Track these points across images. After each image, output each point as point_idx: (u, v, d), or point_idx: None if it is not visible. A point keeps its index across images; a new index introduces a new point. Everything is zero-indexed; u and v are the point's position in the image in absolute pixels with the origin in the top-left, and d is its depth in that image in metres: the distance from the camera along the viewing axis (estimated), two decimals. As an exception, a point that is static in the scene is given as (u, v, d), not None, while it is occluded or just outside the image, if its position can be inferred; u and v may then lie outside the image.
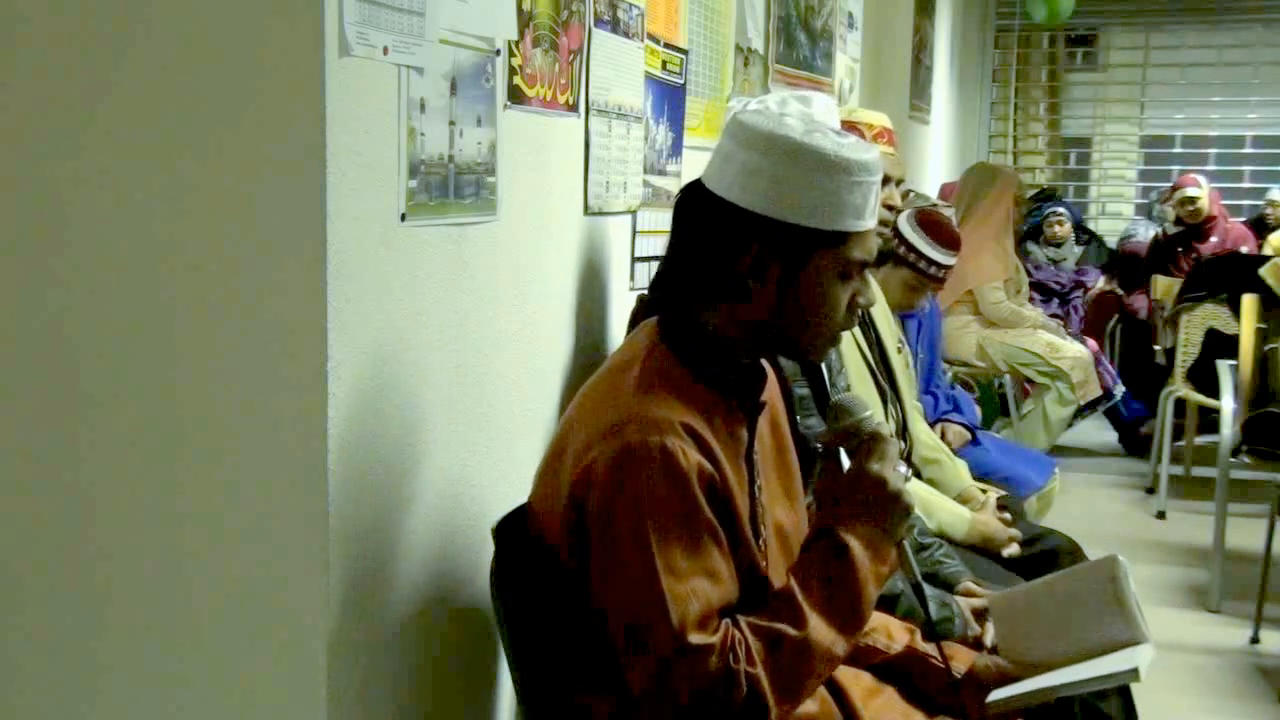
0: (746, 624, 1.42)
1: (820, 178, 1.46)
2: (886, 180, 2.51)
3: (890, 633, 1.79)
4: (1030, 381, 5.54)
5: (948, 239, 3.04)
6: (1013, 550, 2.67)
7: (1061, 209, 7.00)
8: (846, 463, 1.56)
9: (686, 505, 1.41)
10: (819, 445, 2.02)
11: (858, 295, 1.54)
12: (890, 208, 2.56)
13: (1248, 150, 8.29)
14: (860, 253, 1.51)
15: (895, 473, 1.52)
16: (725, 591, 1.43)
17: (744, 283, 1.50)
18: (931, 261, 3.02)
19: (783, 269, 1.49)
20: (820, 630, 1.43)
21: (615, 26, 2.31)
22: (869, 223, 1.51)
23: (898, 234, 3.00)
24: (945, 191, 6.06)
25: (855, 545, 1.47)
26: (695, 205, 1.54)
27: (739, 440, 1.55)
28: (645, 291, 2.40)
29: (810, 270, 1.49)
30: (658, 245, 2.59)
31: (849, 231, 1.49)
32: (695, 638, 1.37)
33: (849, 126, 2.46)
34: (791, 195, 1.46)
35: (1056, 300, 6.62)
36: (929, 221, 3.05)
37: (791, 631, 1.42)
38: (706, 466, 1.43)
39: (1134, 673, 1.63)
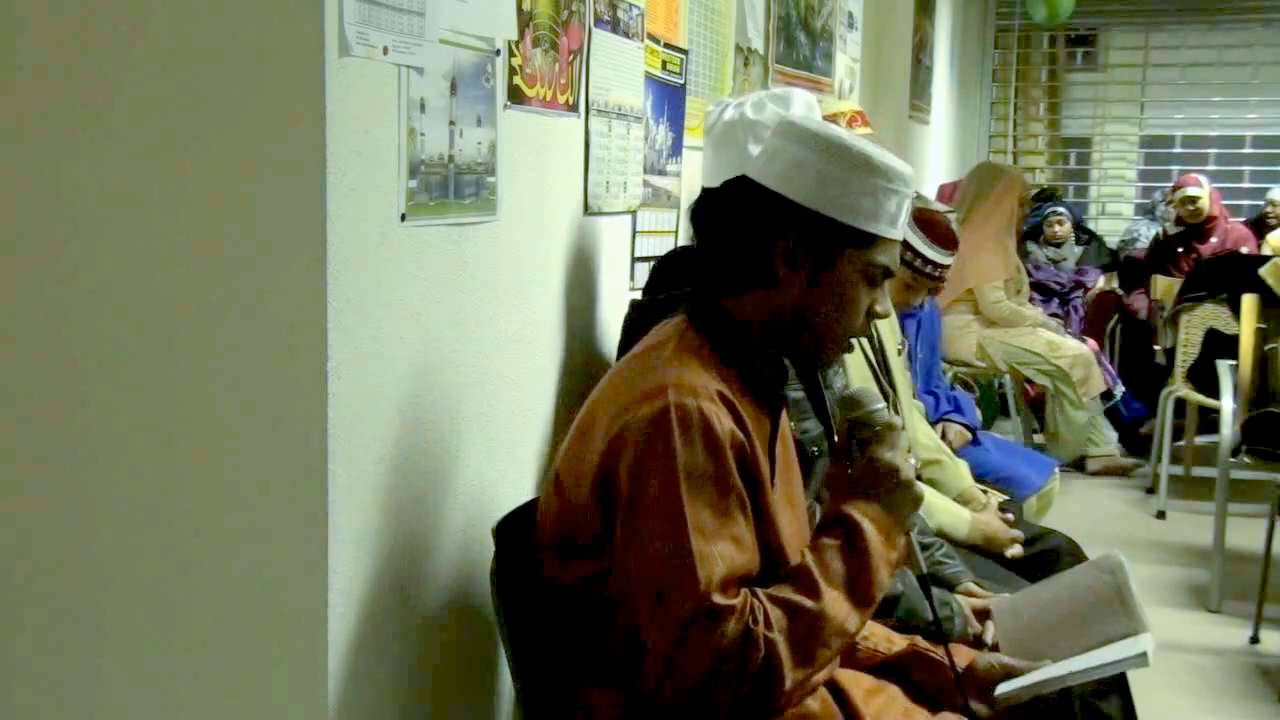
0: (764, 594, 1.46)
1: (863, 178, 1.54)
2: None
3: (889, 638, 1.82)
4: (1030, 381, 5.54)
5: (945, 238, 3.02)
6: (1015, 551, 2.67)
7: (1061, 209, 6.99)
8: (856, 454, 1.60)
9: (719, 469, 1.45)
10: (814, 448, 2.03)
11: (875, 303, 1.60)
12: None
13: (1248, 150, 8.28)
14: (885, 258, 1.58)
15: (906, 462, 1.58)
16: (748, 560, 1.47)
17: (775, 270, 1.55)
18: (928, 260, 3.01)
19: (815, 261, 1.55)
20: (836, 604, 1.47)
21: (615, 26, 2.31)
22: (898, 233, 1.58)
23: None
24: (943, 193, 6.06)
25: (868, 527, 1.52)
26: (738, 196, 1.60)
27: (763, 428, 1.58)
28: (639, 296, 2.39)
29: (839, 267, 1.56)
30: (658, 245, 2.60)
31: (879, 235, 1.56)
32: (718, 599, 1.40)
33: (827, 119, 2.45)
34: (834, 191, 1.54)
35: (1056, 300, 6.61)
36: (926, 220, 3.04)
37: (808, 603, 1.46)
38: (738, 434, 1.48)
39: (1143, 657, 1.64)
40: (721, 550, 1.42)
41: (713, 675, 1.40)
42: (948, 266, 3.06)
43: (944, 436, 3.22)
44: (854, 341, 1.67)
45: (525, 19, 1.91)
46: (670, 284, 2.17)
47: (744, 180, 1.60)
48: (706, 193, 1.65)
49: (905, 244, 2.98)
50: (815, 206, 1.54)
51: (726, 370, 1.55)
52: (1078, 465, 5.47)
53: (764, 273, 1.56)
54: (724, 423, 1.46)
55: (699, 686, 1.41)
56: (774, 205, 1.55)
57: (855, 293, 1.57)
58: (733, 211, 1.60)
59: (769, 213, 1.55)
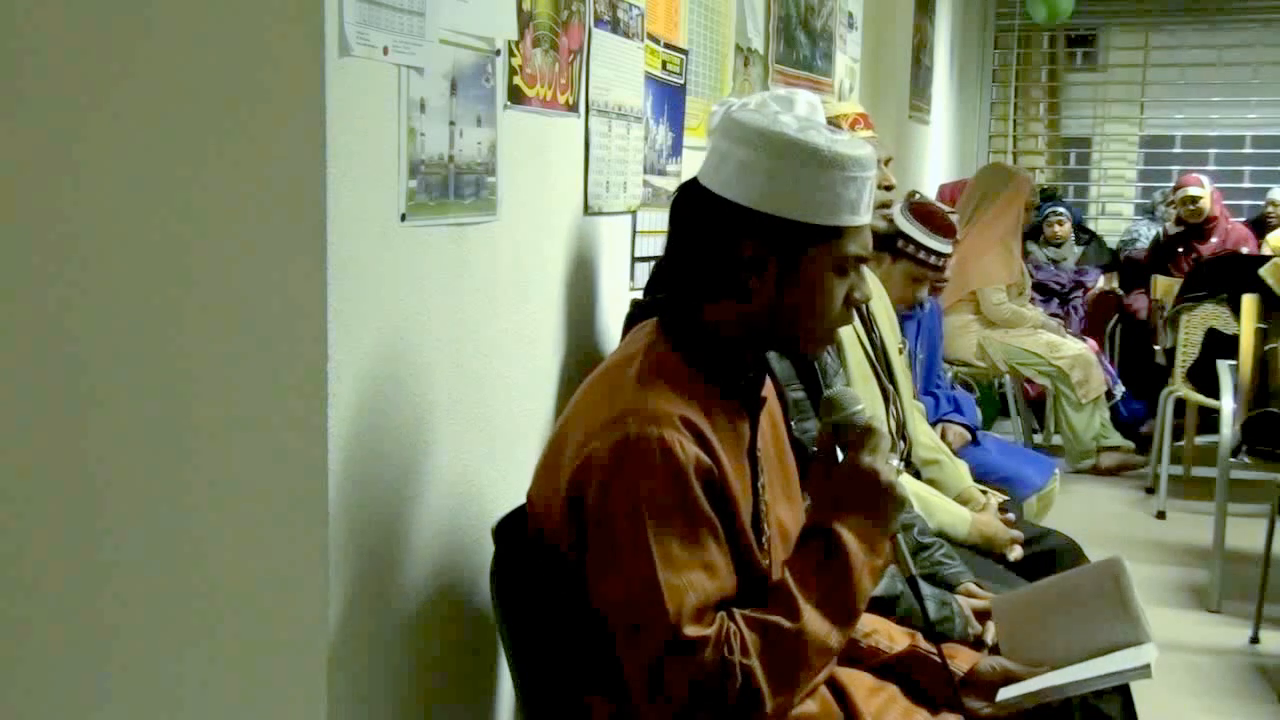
0: (741, 617, 1.42)
1: (815, 173, 1.48)
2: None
3: (891, 635, 1.80)
4: (1030, 381, 5.54)
5: (943, 227, 3.04)
6: (1016, 553, 2.67)
7: (1061, 209, 7.00)
8: (839, 458, 1.57)
9: (684, 498, 1.41)
10: (815, 448, 2.03)
11: (854, 290, 1.56)
12: (887, 187, 2.55)
13: (1248, 150, 8.28)
14: (855, 247, 1.53)
15: (887, 465, 1.53)
16: (722, 585, 1.43)
17: (742, 278, 1.51)
18: (931, 251, 3.02)
19: (780, 264, 1.51)
20: (815, 622, 1.43)
21: (615, 26, 2.31)
22: (864, 217, 1.53)
23: (896, 230, 3.00)
24: (944, 192, 6.06)
25: (849, 538, 1.48)
26: (693, 203, 1.56)
27: (740, 436, 1.55)
28: (639, 297, 2.40)
29: (806, 265, 1.51)
30: (657, 245, 2.60)
31: (844, 226, 1.51)
32: (691, 630, 1.38)
33: (829, 121, 2.45)
34: (787, 191, 1.48)
35: (1056, 300, 6.61)
36: (924, 212, 3.06)
37: (786, 624, 1.42)
38: (704, 460, 1.44)
39: (1145, 669, 1.64)
40: (692, 579, 1.39)
41: (691, 706, 1.38)
42: (949, 255, 3.07)
43: (944, 437, 3.22)
44: (857, 335, 1.65)
45: (525, 19, 1.91)
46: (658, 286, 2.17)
47: (697, 185, 1.55)
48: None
49: (907, 238, 2.99)
50: (769, 209, 1.48)
51: (696, 382, 1.51)
52: (1093, 470, 5.44)
53: (734, 280, 1.51)
54: (687, 450, 1.42)
55: (679, 716, 1.39)
56: (729, 212, 1.50)
57: (829, 286, 1.52)
58: (692, 219, 1.55)
59: (727, 220, 1.50)
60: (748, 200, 1.49)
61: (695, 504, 1.42)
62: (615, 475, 1.41)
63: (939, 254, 3.03)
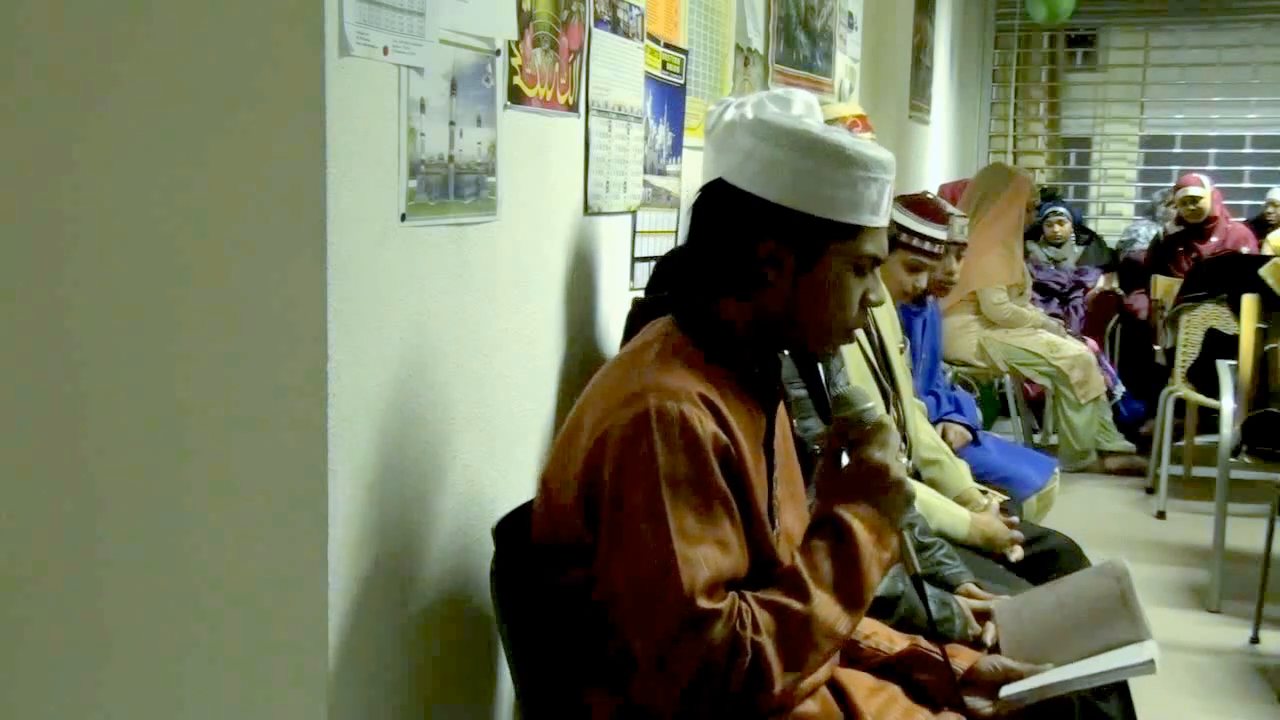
0: (752, 597, 1.44)
1: (838, 171, 1.51)
2: None
3: (890, 637, 1.81)
4: (1030, 381, 5.54)
5: (934, 214, 3.05)
6: (1017, 554, 2.67)
7: (1061, 209, 7.00)
8: (845, 460, 1.58)
9: (701, 472, 1.43)
10: (816, 447, 2.03)
11: (869, 292, 1.58)
12: None
13: (1248, 150, 8.28)
14: (873, 247, 1.56)
15: (897, 461, 1.56)
16: (735, 563, 1.44)
17: (761, 272, 1.54)
18: (925, 238, 3.02)
19: (798, 260, 1.53)
20: (825, 606, 1.45)
21: (615, 26, 2.31)
22: (882, 220, 1.56)
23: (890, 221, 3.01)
24: (944, 193, 6.06)
25: (858, 527, 1.50)
26: (716, 199, 1.58)
27: (758, 428, 1.57)
28: (641, 294, 2.40)
29: (824, 262, 1.54)
30: (658, 245, 2.60)
31: (863, 226, 1.54)
32: (703, 603, 1.38)
33: (828, 123, 2.45)
34: (810, 187, 1.51)
35: (1056, 300, 6.62)
36: (912, 202, 3.07)
37: (797, 605, 1.44)
38: (722, 437, 1.45)
39: (1149, 665, 1.64)
40: (705, 554, 1.41)
41: (700, 680, 1.38)
42: (944, 240, 3.08)
43: (944, 437, 3.22)
44: (855, 333, 1.66)
45: (525, 19, 1.91)
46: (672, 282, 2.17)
47: (721, 184, 1.58)
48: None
49: (901, 228, 3.00)
50: (793, 204, 1.51)
51: (714, 370, 1.53)
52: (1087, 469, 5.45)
53: (751, 275, 1.54)
54: (706, 425, 1.44)
55: (687, 691, 1.39)
56: (753, 207, 1.53)
57: (846, 285, 1.55)
58: (714, 215, 1.58)
59: (749, 215, 1.53)
60: (771, 195, 1.52)
61: (712, 479, 1.43)
62: (633, 447, 1.42)
63: (933, 239, 3.03)
